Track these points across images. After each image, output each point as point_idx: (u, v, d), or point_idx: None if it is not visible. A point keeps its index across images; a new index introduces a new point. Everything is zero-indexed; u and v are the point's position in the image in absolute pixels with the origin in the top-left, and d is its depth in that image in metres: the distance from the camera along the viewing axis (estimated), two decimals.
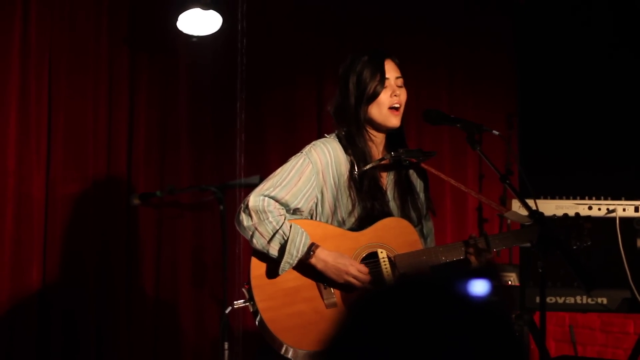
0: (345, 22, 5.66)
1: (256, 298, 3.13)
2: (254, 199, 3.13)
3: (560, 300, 3.85)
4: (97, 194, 4.94)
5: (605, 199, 3.87)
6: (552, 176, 5.17)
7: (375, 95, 3.21)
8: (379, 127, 3.26)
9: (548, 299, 3.79)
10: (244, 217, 3.14)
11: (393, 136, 3.32)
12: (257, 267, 3.16)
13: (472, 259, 3.16)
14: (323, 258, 3.12)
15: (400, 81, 3.27)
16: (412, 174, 3.38)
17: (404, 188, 3.33)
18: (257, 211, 3.12)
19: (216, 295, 5.10)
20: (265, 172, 4.26)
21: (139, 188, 5.05)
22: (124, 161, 5.05)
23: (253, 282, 3.15)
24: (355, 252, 3.18)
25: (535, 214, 2.94)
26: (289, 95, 5.51)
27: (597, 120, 5.50)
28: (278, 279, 3.14)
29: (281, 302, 3.13)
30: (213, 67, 5.22)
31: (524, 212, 3.03)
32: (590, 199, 3.87)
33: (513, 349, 1.26)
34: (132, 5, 5.11)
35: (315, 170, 3.19)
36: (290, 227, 3.11)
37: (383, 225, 3.21)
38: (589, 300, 3.85)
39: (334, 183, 3.21)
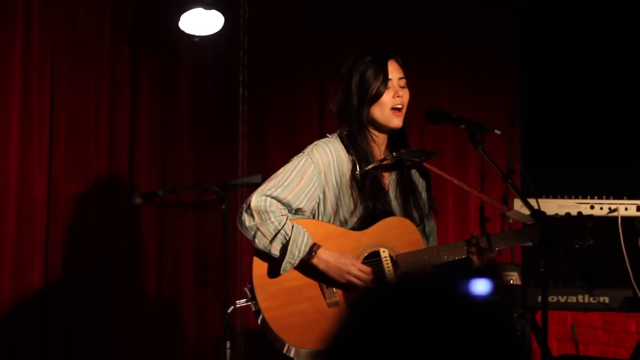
0: (347, 22, 5.66)
1: (258, 297, 3.13)
2: (256, 199, 3.13)
3: (562, 299, 3.85)
4: (99, 193, 4.94)
5: (607, 198, 3.87)
6: (554, 175, 5.17)
7: (378, 96, 3.21)
8: (381, 128, 3.26)
9: (550, 298, 3.80)
10: (246, 217, 3.14)
11: (395, 136, 3.32)
12: (259, 267, 3.17)
13: (474, 258, 3.15)
14: (325, 258, 3.12)
15: (403, 82, 3.26)
16: (414, 174, 3.38)
17: (406, 188, 3.33)
18: (259, 211, 3.12)
19: (218, 294, 5.11)
20: (267, 171, 4.26)
21: (141, 187, 5.05)
22: (125, 160, 5.05)
23: (255, 282, 3.15)
24: (357, 252, 3.18)
25: (537, 213, 2.94)
26: (291, 94, 5.51)
27: (599, 119, 5.50)
28: (280, 278, 3.14)
29: (283, 302, 3.14)
30: (215, 67, 5.23)
31: (526, 211, 3.03)
32: (592, 198, 3.87)
33: (515, 348, 1.26)
34: (134, 5, 5.11)
35: (317, 170, 3.19)
36: (292, 227, 3.11)
37: (385, 225, 3.21)
38: (591, 299, 3.85)
39: (336, 183, 3.21)
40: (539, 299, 3.53)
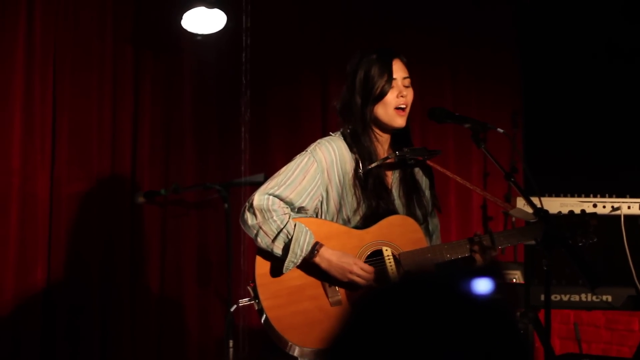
0: (350, 20, 5.66)
1: (261, 296, 3.14)
2: (259, 198, 3.13)
3: (565, 298, 3.85)
4: (101, 192, 4.94)
5: (610, 196, 3.86)
6: (556, 174, 5.16)
7: (382, 95, 3.21)
8: (384, 127, 3.26)
9: (553, 297, 3.79)
10: (248, 215, 3.14)
11: (398, 135, 3.32)
12: (262, 266, 3.17)
13: (477, 256, 3.15)
14: (327, 257, 3.12)
15: (407, 81, 3.26)
16: (418, 172, 3.38)
17: (409, 186, 3.33)
18: (261, 210, 3.12)
19: (221, 293, 5.11)
20: (269, 170, 4.26)
21: (144, 186, 5.05)
22: (128, 160, 5.05)
23: (258, 281, 3.15)
24: (360, 250, 3.18)
25: (540, 212, 2.94)
26: (294, 93, 5.51)
27: (602, 118, 5.50)
28: (283, 277, 3.14)
29: (286, 301, 3.14)
30: (217, 66, 5.23)
31: (529, 210, 3.03)
32: (595, 196, 3.86)
33: (517, 346, 1.26)
34: (136, 3, 5.11)
35: (320, 168, 3.19)
36: (295, 226, 3.11)
37: (388, 223, 3.21)
38: (594, 297, 3.84)
39: (339, 181, 3.21)
40: (542, 297, 3.52)
